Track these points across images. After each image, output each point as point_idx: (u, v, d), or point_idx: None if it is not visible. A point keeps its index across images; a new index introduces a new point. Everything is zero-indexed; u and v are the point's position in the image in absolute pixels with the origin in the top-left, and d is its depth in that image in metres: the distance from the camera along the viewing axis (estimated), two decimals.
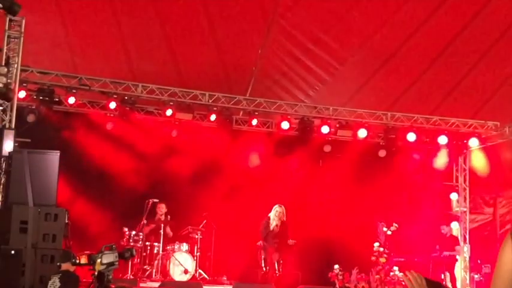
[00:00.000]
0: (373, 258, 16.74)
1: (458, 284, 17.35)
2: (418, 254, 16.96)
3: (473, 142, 17.95)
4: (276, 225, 15.63)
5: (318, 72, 17.43)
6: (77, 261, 8.55)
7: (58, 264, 9.31)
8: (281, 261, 15.53)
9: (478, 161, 18.42)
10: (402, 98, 17.78)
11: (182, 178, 16.75)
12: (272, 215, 15.77)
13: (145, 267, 15.65)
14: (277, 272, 15.37)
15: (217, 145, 17.21)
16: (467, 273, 17.93)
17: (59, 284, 8.77)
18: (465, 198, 18.93)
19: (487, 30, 16.34)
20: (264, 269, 15.38)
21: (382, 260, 16.65)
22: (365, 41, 16.77)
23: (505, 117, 17.55)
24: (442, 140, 17.91)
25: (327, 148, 17.99)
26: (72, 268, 8.95)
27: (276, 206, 15.82)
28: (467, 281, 17.85)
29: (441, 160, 18.48)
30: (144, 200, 15.90)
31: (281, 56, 17.10)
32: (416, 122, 17.76)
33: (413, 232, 17.38)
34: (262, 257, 15.50)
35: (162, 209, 16.27)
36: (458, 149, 18.64)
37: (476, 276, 17.75)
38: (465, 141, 18.16)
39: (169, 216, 16.37)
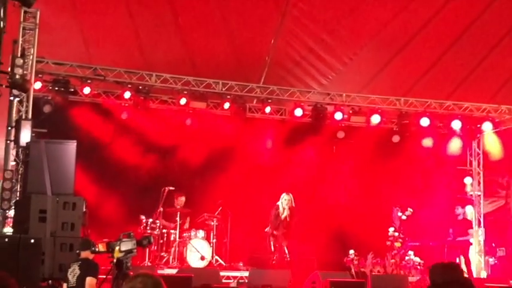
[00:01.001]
0: (388, 243, 16.85)
1: (473, 267, 17.40)
2: (433, 239, 17.02)
3: (487, 126, 17.93)
4: (287, 215, 15.69)
5: (331, 62, 17.45)
6: (96, 249, 8.72)
7: (77, 252, 9.43)
8: (287, 256, 15.62)
9: (492, 145, 18.40)
10: (417, 84, 17.76)
11: (197, 166, 16.85)
12: (281, 204, 15.81)
13: (162, 254, 15.80)
14: (287, 257, 15.47)
15: (231, 133, 17.29)
16: (482, 257, 17.97)
17: (78, 272, 8.90)
18: (479, 182, 18.95)
19: (502, 17, 16.30)
20: (275, 256, 15.45)
21: (397, 244, 16.75)
22: (379, 29, 16.73)
23: None
24: (456, 124, 17.91)
25: (341, 134, 18.06)
26: (91, 256, 9.08)
27: (284, 194, 15.85)
28: (482, 265, 17.89)
29: (455, 145, 18.48)
30: (160, 188, 16.03)
31: (294, 46, 17.12)
32: (429, 107, 17.76)
33: (428, 217, 17.45)
34: (272, 243, 15.59)
35: (181, 202, 16.39)
36: (472, 133, 18.65)
37: (491, 259, 17.81)
38: (479, 125, 18.16)
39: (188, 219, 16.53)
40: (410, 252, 16.74)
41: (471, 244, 17.61)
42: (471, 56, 17.11)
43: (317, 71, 17.72)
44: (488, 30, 16.58)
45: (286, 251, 15.63)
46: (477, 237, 18.09)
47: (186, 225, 16.43)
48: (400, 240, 16.86)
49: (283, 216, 15.73)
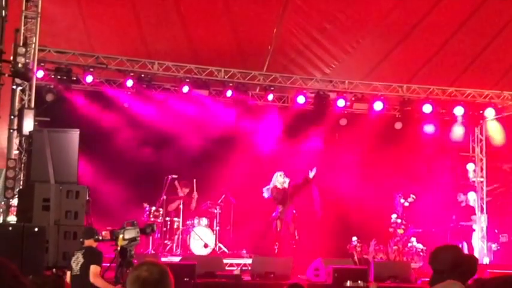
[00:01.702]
0: (391, 229, 16.90)
1: (476, 253, 17.44)
2: (436, 225, 17.06)
3: (490, 112, 17.92)
4: (288, 183, 15.49)
5: (334, 50, 17.42)
6: (100, 238, 8.77)
7: (81, 240, 9.47)
8: (297, 236, 15.54)
9: (495, 131, 18.39)
10: (419, 71, 17.73)
11: (200, 153, 16.86)
12: (274, 179, 15.57)
13: (165, 242, 15.87)
14: (294, 244, 15.45)
15: (233, 121, 17.31)
16: (485, 243, 18.01)
17: (82, 260, 8.93)
18: (481, 168, 18.95)
19: (505, 3, 16.21)
20: (276, 244, 15.35)
21: (400, 231, 16.79)
22: (382, 17, 16.65)
23: None
24: (458, 111, 17.90)
25: (343, 122, 18.07)
26: (95, 244, 9.11)
27: (275, 173, 15.63)
28: (485, 251, 17.94)
29: (457, 131, 18.47)
30: (163, 176, 16.08)
31: (296, 35, 17.08)
32: (432, 93, 17.74)
33: (430, 203, 17.47)
34: (278, 229, 15.50)
35: (183, 188, 16.43)
36: (474, 120, 18.63)
37: (493, 245, 17.84)
38: (481, 111, 18.14)
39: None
40: (413, 239, 16.78)
41: (474, 230, 17.65)
42: (474, 43, 17.05)
43: (320, 60, 17.69)
44: (491, 17, 16.51)
45: (296, 234, 15.53)
46: (480, 223, 18.12)
47: (194, 201, 16.41)
48: (403, 226, 16.90)
49: (283, 186, 15.44)
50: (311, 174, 15.38)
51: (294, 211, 15.52)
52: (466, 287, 4.15)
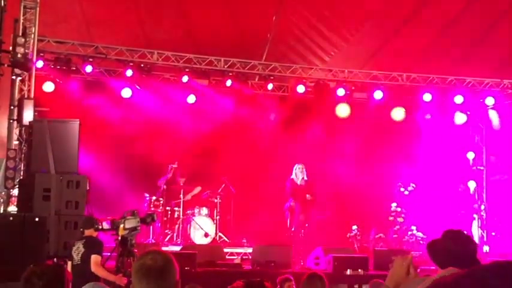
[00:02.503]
0: (391, 218, 16.93)
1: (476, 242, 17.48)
2: (436, 214, 17.09)
3: (490, 101, 17.91)
4: (303, 179, 15.66)
5: (334, 38, 17.40)
6: (100, 227, 8.79)
7: (81, 230, 9.51)
8: (306, 225, 15.65)
9: (493, 119, 18.41)
10: (419, 60, 17.71)
11: (200, 143, 16.89)
12: (294, 173, 15.81)
13: (166, 231, 15.90)
14: (301, 234, 15.52)
15: (233, 110, 17.31)
16: (485, 232, 18.05)
17: (83, 250, 8.97)
18: (481, 157, 18.96)
19: None
20: (292, 229, 15.48)
21: (400, 219, 16.83)
22: (381, 5, 16.63)
23: None
24: (458, 99, 17.88)
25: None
26: (95, 234, 9.15)
27: (296, 165, 15.86)
28: (485, 239, 17.98)
29: (457, 120, 18.47)
30: (164, 165, 16.10)
31: (296, 23, 17.06)
32: (432, 82, 17.73)
33: (430, 192, 17.51)
34: (288, 219, 15.63)
35: (183, 177, 16.47)
36: (474, 108, 18.63)
37: (493, 234, 17.89)
38: (481, 100, 18.12)
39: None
40: (413, 227, 16.82)
41: (474, 219, 17.69)
42: (474, 31, 17.04)
43: (319, 48, 17.68)
44: (491, 4, 16.49)
45: (306, 224, 15.66)
46: (480, 212, 18.15)
47: (195, 192, 16.47)
48: (403, 215, 16.94)
49: (299, 182, 15.65)
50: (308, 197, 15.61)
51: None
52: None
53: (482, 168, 18.88)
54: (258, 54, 17.18)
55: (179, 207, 16.04)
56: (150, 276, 3.16)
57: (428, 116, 18.14)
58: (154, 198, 15.81)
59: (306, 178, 15.68)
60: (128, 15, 16.23)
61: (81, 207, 11.68)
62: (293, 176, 15.75)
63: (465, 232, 4.75)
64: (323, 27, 17.12)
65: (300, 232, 15.49)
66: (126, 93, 16.23)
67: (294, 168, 15.81)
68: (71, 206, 11.60)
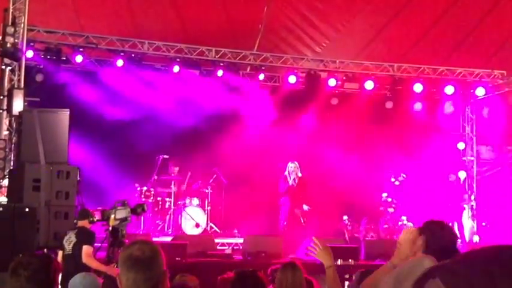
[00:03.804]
0: (382, 208, 16.97)
1: (466, 232, 17.55)
2: (426, 204, 17.12)
3: (480, 91, 17.95)
4: (294, 180, 15.71)
5: (325, 29, 17.37)
6: (95, 219, 8.79)
7: (75, 221, 9.53)
8: (305, 219, 15.71)
9: (484, 110, 18.46)
10: (410, 50, 17.71)
11: (191, 134, 16.85)
12: (287, 172, 15.84)
13: (157, 222, 15.89)
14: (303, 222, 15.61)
15: (224, 100, 17.27)
16: (475, 222, 18.12)
17: (74, 240, 8.97)
18: (472, 147, 19.02)
19: None
20: (284, 222, 15.57)
21: (390, 210, 16.87)
22: None
23: None
24: (449, 90, 17.91)
25: (334, 101, 18.07)
26: (88, 225, 9.15)
27: (289, 163, 15.88)
28: (475, 229, 18.05)
29: (448, 110, 18.51)
30: (154, 156, 16.07)
31: (287, 13, 17.01)
32: (423, 72, 17.75)
33: (421, 182, 17.55)
34: (281, 214, 15.78)
35: (175, 170, 16.44)
36: (465, 99, 18.68)
37: (483, 224, 17.96)
38: (472, 90, 18.17)
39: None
40: (403, 218, 16.86)
41: (464, 209, 17.75)
42: (465, 22, 17.03)
43: (310, 38, 17.65)
44: None
45: (302, 219, 15.71)
46: (470, 202, 18.21)
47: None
48: (393, 205, 16.98)
49: (290, 182, 15.71)
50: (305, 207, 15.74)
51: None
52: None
53: (472, 158, 18.94)
54: (250, 44, 17.14)
55: (170, 197, 16.02)
56: (138, 267, 3.15)
57: (418, 106, 18.14)
58: (145, 188, 15.78)
59: (300, 175, 15.72)
60: (119, 5, 16.15)
61: (71, 198, 11.61)
62: (286, 173, 15.83)
63: (446, 223, 4.77)
64: (314, 17, 17.08)
65: (293, 226, 15.54)
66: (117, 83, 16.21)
67: (288, 166, 15.85)
68: (61, 196, 11.52)
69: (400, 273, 1.67)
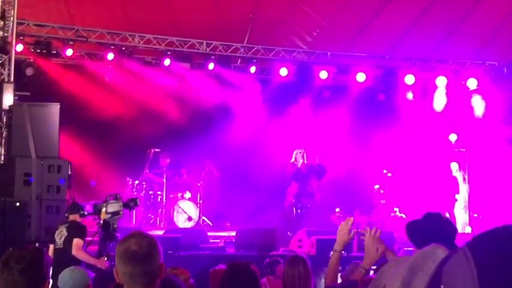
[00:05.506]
0: (374, 200, 16.98)
1: (459, 224, 17.58)
2: (418, 195, 17.14)
3: (472, 82, 17.96)
4: (303, 163, 15.81)
5: (316, 18, 17.30)
6: (85, 213, 8.78)
7: (66, 215, 9.51)
8: (309, 205, 15.77)
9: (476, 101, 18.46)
10: (402, 41, 17.67)
11: (182, 127, 16.83)
12: (294, 157, 15.98)
13: (149, 215, 15.85)
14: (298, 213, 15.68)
15: (216, 93, 17.24)
16: (467, 213, 18.15)
17: (66, 233, 8.94)
18: (464, 138, 19.02)
19: None
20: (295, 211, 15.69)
21: (383, 201, 16.89)
22: None
23: (503, 57, 17.54)
24: (441, 81, 17.91)
25: (326, 93, 18.05)
26: (79, 219, 9.14)
27: (296, 150, 16.10)
28: (467, 220, 18.08)
29: (440, 101, 18.51)
30: (146, 149, 16.02)
31: (278, 3, 16.94)
32: (414, 64, 17.75)
33: (413, 173, 17.56)
34: (293, 201, 15.76)
35: (166, 162, 16.40)
36: (456, 90, 18.67)
37: (475, 215, 17.99)
38: (463, 82, 18.17)
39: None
40: (396, 209, 16.88)
41: (456, 200, 17.77)
42: (456, 12, 17.00)
43: (301, 28, 17.59)
44: None
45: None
46: (462, 193, 18.24)
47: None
48: (386, 197, 17.00)
49: (299, 165, 15.87)
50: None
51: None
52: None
53: (464, 149, 18.95)
54: (240, 37, 17.08)
55: (162, 190, 15.98)
56: (135, 261, 3.11)
57: (409, 97, 18.16)
58: (137, 182, 15.75)
59: (306, 162, 15.83)
60: None
61: (62, 192, 11.59)
62: (293, 160, 15.87)
63: (445, 215, 4.78)
64: (305, 6, 17.00)
65: (299, 213, 15.59)
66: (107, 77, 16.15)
67: (294, 152, 15.98)
68: (52, 191, 11.50)
69: (413, 263, 1.67)
